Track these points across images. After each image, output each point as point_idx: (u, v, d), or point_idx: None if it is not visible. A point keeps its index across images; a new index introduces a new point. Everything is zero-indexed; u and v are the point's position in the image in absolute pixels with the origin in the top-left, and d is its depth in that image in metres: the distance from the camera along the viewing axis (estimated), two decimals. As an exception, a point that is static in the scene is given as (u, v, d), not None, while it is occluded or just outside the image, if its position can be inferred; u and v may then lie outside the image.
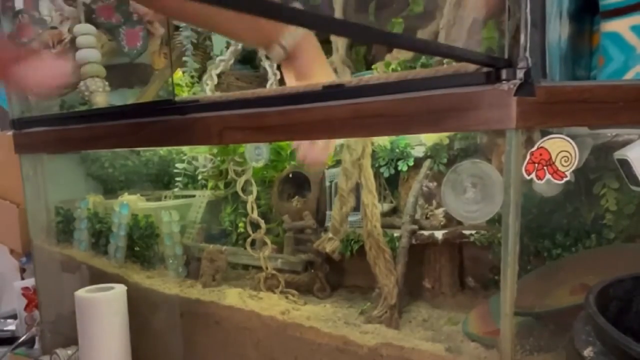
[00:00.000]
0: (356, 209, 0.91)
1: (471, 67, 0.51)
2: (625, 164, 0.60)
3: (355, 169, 0.87)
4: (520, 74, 0.49)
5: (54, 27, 1.27)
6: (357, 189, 0.88)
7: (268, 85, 1.08)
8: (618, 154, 0.61)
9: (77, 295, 0.93)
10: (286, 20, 0.33)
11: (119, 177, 1.36)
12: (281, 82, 1.02)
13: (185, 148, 1.18)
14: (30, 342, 1.36)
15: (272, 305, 0.88)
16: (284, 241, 1.00)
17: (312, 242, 0.93)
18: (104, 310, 0.92)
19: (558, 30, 0.64)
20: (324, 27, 0.35)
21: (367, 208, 0.84)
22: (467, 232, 0.83)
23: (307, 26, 0.35)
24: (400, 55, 0.91)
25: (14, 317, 1.55)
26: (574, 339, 0.50)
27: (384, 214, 0.92)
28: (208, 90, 1.19)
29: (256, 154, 0.78)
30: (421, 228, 0.86)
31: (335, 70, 1.01)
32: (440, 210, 0.87)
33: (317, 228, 0.98)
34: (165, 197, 1.27)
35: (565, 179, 0.50)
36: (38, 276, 1.32)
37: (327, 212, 0.95)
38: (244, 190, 0.95)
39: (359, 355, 0.73)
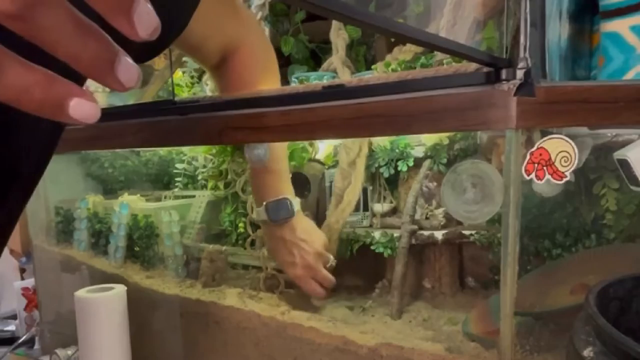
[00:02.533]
0: (356, 209, 0.91)
1: (471, 67, 0.51)
2: (625, 164, 0.60)
3: (351, 169, 0.87)
4: (520, 74, 0.49)
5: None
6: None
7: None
8: (618, 154, 0.61)
9: (77, 296, 0.93)
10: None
11: (119, 177, 1.36)
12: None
13: (185, 148, 1.18)
14: (30, 342, 1.36)
15: (272, 305, 0.88)
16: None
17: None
18: (104, 310, 0.92)
19: (558, 30, 0.64)
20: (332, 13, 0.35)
21: (342, 203, 0.86)
22: (467, 232, 0.83)
23: (315, 10, 0.35)
24: (400, 55, 0.91)
25: (14, 317, 1.55)
26: (573, 339, 0.50)
27: (383, 214, 0.92)
28: (208, 90, 1.19)
29: (255, 154, 0.78)
30: (421, 228, 0.86)
31: (335, 71, 1.01)
32: (440, 210, 0.87)
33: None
34: (165, 197, 1.27)
35: (565, 179, 0.50)
36: (38, 276, 1.32)
37: (328, 213, 0.95)
38: (243, 190, 0.95)
39: (359, 355, 0.73)
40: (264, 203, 0.81)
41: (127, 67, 0.21)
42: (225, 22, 0.69)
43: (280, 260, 0.86)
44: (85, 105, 0.20)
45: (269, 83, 0.78)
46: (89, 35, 0.20)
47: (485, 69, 0.50)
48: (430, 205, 0.88)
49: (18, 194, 0.42)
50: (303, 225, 0.84)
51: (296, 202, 0.83)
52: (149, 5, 0.20)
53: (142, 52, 0.55)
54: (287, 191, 0.82)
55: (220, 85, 0.80)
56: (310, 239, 0.84)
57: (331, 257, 0.86)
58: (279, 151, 0.82)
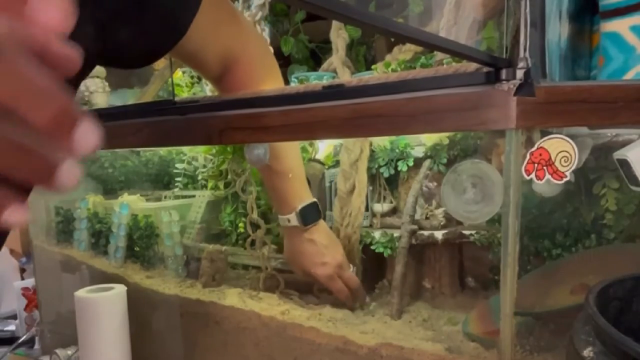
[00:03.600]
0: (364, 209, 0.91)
1: (471, 67, 0.51)
2: (625, 164, 0.60)
3: (353, 170, 0.87)
4: (520, 74, 0.49)
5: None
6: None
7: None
8: (618, 154, 0.61)
9: (77, 296, 0.93)
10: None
11: (119, 177, 1.36)
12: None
13: (185, 148, 1.18)
14: (30, 342, 1.36)
15: (272, 305, 0.88)
16: (284, 241, 1.00)
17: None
18: (104, 310, 0.92)
19: (558, 30, 0.64)
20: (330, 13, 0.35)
21: (352, 211, 0.87)
22: (467, 232, 0.83)
23: (315, 11, 0.35)
24: (400, 55, 0.91)
25: (14, 317, 1.55)
26: (573, 339, 0.50)
27: (383, 214, 0.92)
28: (208, 90, 1.19)
29: (255, 154, 0.78)
30: (421, 228, 0.86)
31: (335, 71, 1.01)
32: (440, 210, 0.87)
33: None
34: (165, 197, 1.27)
35: (565, 179, 0.50)
36: (38, 276, 1.32)
37: (328, 212, 0.95)
38: (243, 190, 0.95)
39: (359, 355, 0.73)
40: (298, 209, 0.83)
41: (68, 172, 0.22)
42: (223, 31, 0.69)
43: (309, 261, 0.86)
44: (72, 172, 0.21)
45: (272, 85, 0.78)
46: (27, 154, 0.20)
47: (485, 69, 0.50)
48: (430, 205, 0.88)
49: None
50: (325, 227, 0.87)
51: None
52: (92, 124, 0.20)
53: (144, 57, 0.55)
54: (310, 194, 0.85)
55: (222, 93, 0.80)
56: (335, 241, 0.87)
57: (350, 264, 0.88)
58: (297, 155, 0.83)
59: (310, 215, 0.84)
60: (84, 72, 0.45)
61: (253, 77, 0.75)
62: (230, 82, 0.74)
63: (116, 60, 0.52)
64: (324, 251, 0.85)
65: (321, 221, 0.86)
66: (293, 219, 0.83)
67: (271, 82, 0.77)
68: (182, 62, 0.90)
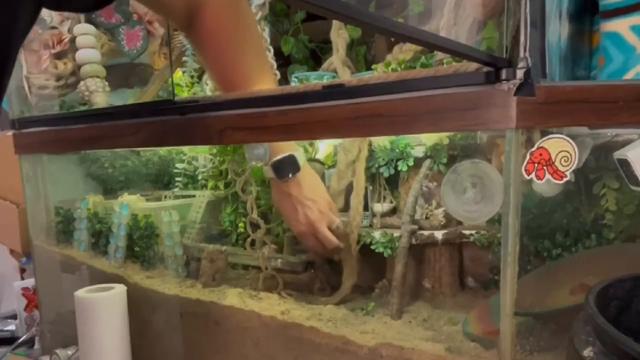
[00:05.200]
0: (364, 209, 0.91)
1: (471, 67, 0.51)
2: (625, 164, 0.60)
3: (349, 170, 0.87)
4: (520, 73, 0.49)
5: (54, 27, 1.27)
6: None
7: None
8: (618, 154, 0.61)
9: (77, 296, 0.93)
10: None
11: (119, 177, 1.36)
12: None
13: (185, 148, 1.18)
14: (30, 342, 1.37)
15: (272, 305, 0.88)
16: (284, 241, 1.00)
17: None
18: (104, 310, 0.92)
19: (558, 30, 0.64)
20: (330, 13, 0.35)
21: (351, 211, 0.87)
22: (467, 232, 0.83)
23: (315, 11, 0.35)
24: (400, 55, 0.90)
25: (14, 317, 1.55)
26: (573, 339, 0.50)
27: (383, 214, 0.92)
28: (208, 90, 1.19)
29: (255, 154, 0.78)
30: (421, 228, 0.86)
31: (335, 71, 1.01)
32: (440, 210, 0.87)
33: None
34: (165, 197, 1.27)
35: (565, 179, 0.50)
36: (38, 276, 1.32)
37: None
38: (243, 190, 0.95)
39: (359, 355, 0.73)
40: (271, 162, 0.81)
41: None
42: None
43: (286, 216, 0.87)
44: None
45: (249, 38, 0.77)
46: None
47: (485, 69, 0.50)
48: (430, 205, 0.88)
49: None
50: (308, 182, 0.85)
51: (301, 157, 0.83)
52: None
53: None
54: (291, 147, 0.83)
55: (197, 46, 0.78)
56: (314, 198, 0.85)
57: (337, 219, 0.86)
58: None
59: (283, 168, 0.82)
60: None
61: (221, 20, 0.73)
62: (199, 27, 0.73)
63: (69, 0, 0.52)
64: (297, 207, 0.84)
65: (303, 174, 0.83)
66: (268, 172, 0.82)
67: (242, 26, 0.75)
68: (153, 11, 0.88)
